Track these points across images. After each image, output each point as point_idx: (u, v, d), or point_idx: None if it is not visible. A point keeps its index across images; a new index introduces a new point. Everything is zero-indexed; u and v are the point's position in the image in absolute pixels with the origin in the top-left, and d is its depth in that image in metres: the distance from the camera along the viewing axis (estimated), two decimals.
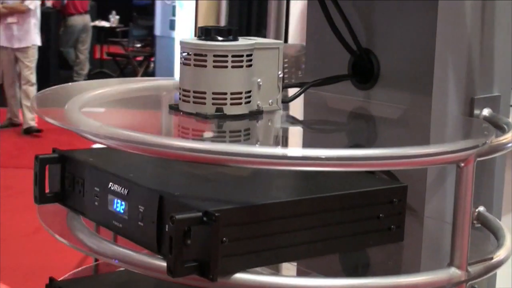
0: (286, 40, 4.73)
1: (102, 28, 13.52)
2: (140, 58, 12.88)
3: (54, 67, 11.08)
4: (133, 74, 11.95)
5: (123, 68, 12.61)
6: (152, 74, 11.95)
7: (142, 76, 11.39)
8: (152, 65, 12.44)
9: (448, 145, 1.13)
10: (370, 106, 1.44)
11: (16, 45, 8.09)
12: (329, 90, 1.49)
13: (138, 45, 13.33)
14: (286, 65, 3.92)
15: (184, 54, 1.29)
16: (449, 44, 1.33)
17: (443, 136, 1.34)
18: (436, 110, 1.34)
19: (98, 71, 12.87)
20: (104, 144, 1.14)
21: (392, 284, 1.15)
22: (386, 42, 1.41)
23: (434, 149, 1.12)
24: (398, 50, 1.39)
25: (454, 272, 1.14)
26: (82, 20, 11.69)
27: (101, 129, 1.15)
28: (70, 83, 1.52)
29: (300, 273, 1.46)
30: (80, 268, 1.51)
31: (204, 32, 1.29)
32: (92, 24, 12.47)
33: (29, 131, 7.92)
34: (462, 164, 1.12)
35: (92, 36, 12.20)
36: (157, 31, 10.63)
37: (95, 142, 1.15)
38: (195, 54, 1.27)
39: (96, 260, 1.50)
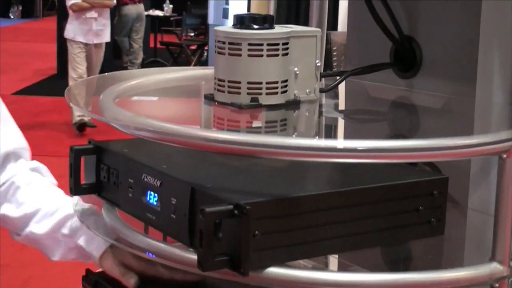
0: (335, 28, 4.73)
1: (156, 17, 13.66)
2: (194, 47, 12.96)
3: (109, 57, 11.19)
4: (187, 63, 12.06)
5: (176, 57, 12.71)
6: (205, 63, 12.03)
7: (195, 65, 11.47)
8: (205, 53, 12.51)
9: (490, 136, 1.10)
10: (412, 95, 1.41)
11: (95, 41, 8.13)
12: (370, 79, 1.46)
13: (192, 34, 13.42)
14: (335, 53, 3.88)
15: (218, 42, 1.27)
16: (494, 30, 1.29)
17: (487, 126, 1.30)
18: (480, 99, 1.30)
19: (152, 60, 13.01)
20: (135, 136, 1.12)
21: (432, 279, 1.12)
22: (429, 29, 1.38)
23: (474, 140, 1.08)
24: (441, 37, 1.36)
25: (495, 267, 1.11)
26: (136, 9, 11.78)
27: (132, 120, 1.14)
28: (107, 73, 1.51)
29: (341, 266, 1.45)
30: None
31: (239, 20, 1.27)
32: (146, 13, 12.58)
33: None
34: (505, 156, 1.08)
35: (146, 25, 12.29)
36: (211, 19, 10.69)
37: (126, 133, 1.14)
38: (229, 43, 1.25)
39: None
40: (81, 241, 1.43)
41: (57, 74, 10.80)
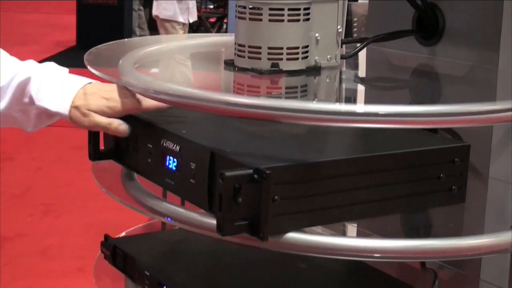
0: None
1: None
2: (213, 20, 12.92)
3: (128, 27, 11.17)
4: None
5: (195, 29, 12.67)
6: None
7: None
8: (224, 26, 12.47)
9: None
10: (434, 63, 1.40)
11: (190, 20, 7.98)
12: (392, 47, 1.45)
13: (211, 7, 13.39)
14: (355, 25, 3.86)
15: (239, 7, 1.26)
16: None
17: (509, 94, 1.29)
18: (503, 68, 1.28)
19: None
20: (155, 99, 1.12)
21: (453, 246, 1.12)
22: None
23: (498, 106, 1.07)
24: (465, 4, 1.34)
25: None
26: None
27: (152, 84, 1.14)
28: (125, 39, 1.50)
29: (359, 235, 1.45)
30: (135, 227, 1.51)
31: None
32: None
33: None
34: None
35: None
36: None
37: (147, 97, 1.14)
38: (250, 8, 1.24)
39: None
40: (44, 103, 1.33)
41: (76, 46, 10.80)
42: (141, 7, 11.50)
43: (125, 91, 1.26)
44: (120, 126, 1.26)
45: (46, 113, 1.35)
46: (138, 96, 1.24)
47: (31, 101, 1.34)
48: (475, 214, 1.28)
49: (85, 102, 1.28)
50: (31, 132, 1.42)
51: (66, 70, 1.37)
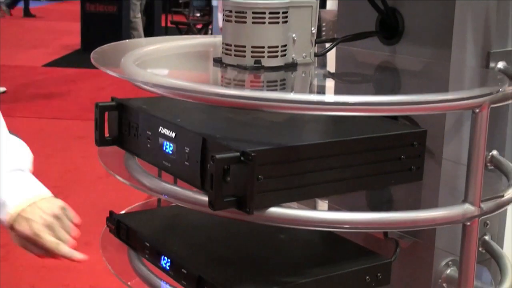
0: (324, 7, 4.69)
1: None
2: (199, 26, 12.88)
3: (126, 31, 11.08)
4: None
5: (184, 34, 12.62)
6: None
7: None
8: (210, 31, 12.42)
9: (464, 92, 1.09)
10: (395, 60, 1.40)
11: None
12: (358, 46, 1.44)
13: (198, 15, 13.33)
14: (324, 28, 3.84)
15: (226, 11, 1.25)
16: (468, 2, 1.27)
17: (461, 86, 1.29)
18: (455, 63, 1.28)
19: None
20: (154, 92, 1.11)
21: (412, 218, 1.12)
22: (410, 0, 1.36)
23: (451, 96, 1.08)
24: (421, 8, 1.34)
25: (468, 208, 1.10)
26: None
27: (151, 78, 1.13)
28: (126, 40, 1.48)
29: (330, 209, 1.44)
30: (136, 204, 1.50)
31: None
32: None
33: None
34: (477, 110, 1.08)
35: (158, 7, 12.15)
36: (214, 2, 10.60)
37: (147, 90, 1.13)
38: (236, 12, 1.23)
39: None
40: None
41: (80, 49, 10.72)
42: (139, 14, 11.42)
43: (59, 219, 1.34)
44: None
45: None
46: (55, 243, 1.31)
47: None
48: (430, 190, 1.28)
49: (16, 228, 1.33)
50: None
51: (27, 168, 1.40)
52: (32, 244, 1.33)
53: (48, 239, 1.30)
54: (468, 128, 1.11)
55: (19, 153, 1.38)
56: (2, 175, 1.33)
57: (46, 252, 1.34)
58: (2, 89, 8.21)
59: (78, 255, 1.26)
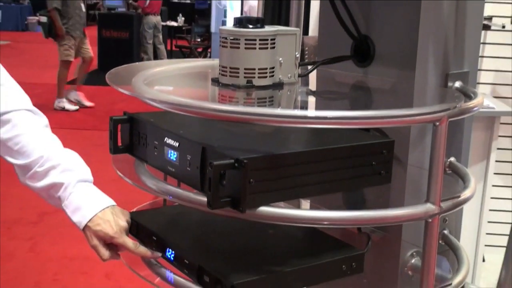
0: (306, 33, 4.68)
1: (172, 26, 13.55)
2: (200, 49, 12.88)
3: (137, 54, 11.08)
4: None
5: (187, 56, 12.62)
6: None
7: None
8: (209, 54, 12.42)
9: (426, 108, 1.09)
10: (367, 80, 1.40)
11: None
12: (336, 68, 1.44)
13: (199, 40, 13.32)
14: (306, 52, 3.84)
15: (222, 38, 1.24)
16: (430, 30, 1.28)
17: (423, 102, 1.29)
18: (418, 83, 1.29)
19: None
20: (160, 107, 1.10)
21: (382, 216, 1.12)
22: (380, 29, 1.36)
23: (415, 111, 1.08)
24: (390, 35, 1.34)
25: (429, 207, 1.10)
26: (155, 19, 11.50)
27: (158, 95, 1.12)
28: (137, 63, 1.48)
29: (312, 208, 1.44)
30: (145, 203, 1.49)
31: (238, 22, 1.25)
32: (164, 23, 12.45)
33: None
34: (437, 123, 1.08)
35: (163, 33, 12.14)
36: (213, 29, 10.61)
37: (154, 106, 1.12)
38: (231, 38, 1.23)
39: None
40: (68, 212, 1.31)
41: (98, 69, 10.69)
42: (151, 41, 11.43)
43: (128, 227, 1.29)
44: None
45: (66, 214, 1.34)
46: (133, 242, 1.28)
47: (59, 198, 1.33)
48: (397, 192, 1.28)
49: (93, 228, 1.28)
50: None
51: (90, 179, 1.35)
52: (104, 245, 1.29)
53: (128, 239, 1.28)
54: (430, 138, 1.11)
55: (83, 165, 1.37)
56: (73, 185, 1.32)
57: (114, 254, 1.31)
58: (89, 103, 8.15)
59: (156, 254, 1.24)
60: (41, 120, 1.39)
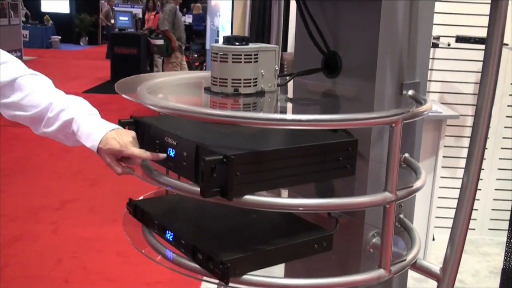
0: (285, 49, 4.67)
1: None
2: (197, 64, 12.85)
3: (143, 67, 11.00)
4: None
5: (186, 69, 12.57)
6: None
7: None
8: (204, 67, 12.39)
9: (384, 112, 1.09)
10: (335, 89, 1.39)
11: None
12: (309, 78, 1.44)
13: (196, 55, 13.29)
14: (285, 65, 3.81)
15: (213, 54, 1.24)
16: (387, 47, 1.27)
17: (382, 108, 1.28)
18: (378, 91, 1.28)
19: None
20: (161, 112, 1.09)
21: (348, 203, 1.12)
22: (346, 46, 1.36)
23: (375, 115, 1.08)
24: (354, 51, 1.33)
25: (387, 195, 1.10)
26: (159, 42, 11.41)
27: (158, 102, 1.11)
28: (141, 74, 1.46)
29: (290, 196, 1.43)
30: (149, 193, 1.48)
31: (227, 40, 1.24)
32: None
33: None
34: (394, 125, 1.08)
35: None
36: (208, 46, 10.57)
37: (156, 111, 1.11)
38: (220, 54, 1.22)
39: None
40: (82, 140, 1.28)
41: (110, 80, 10.63)
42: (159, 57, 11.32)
43: (134, 142, 1.24)
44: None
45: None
46: (139, 149, 1.22)
47: (73, 132, 1.30)
48: (361, 183, 1.27)
49: (104, 148, 1.25)
50: (70, 146, 1.36)
51: (97, 113, 1.31)
52: (116, 160, 1.25)
53: (135, 149, 1.23)
54: (388, 137, 1.11)
55: (89, 104, 1.33)
56: (82, 117, 1.28)
57: (128, 169, 1.25)
58: None
59: (161, 155, 1.19)
60: (45, 79, 1.36)
